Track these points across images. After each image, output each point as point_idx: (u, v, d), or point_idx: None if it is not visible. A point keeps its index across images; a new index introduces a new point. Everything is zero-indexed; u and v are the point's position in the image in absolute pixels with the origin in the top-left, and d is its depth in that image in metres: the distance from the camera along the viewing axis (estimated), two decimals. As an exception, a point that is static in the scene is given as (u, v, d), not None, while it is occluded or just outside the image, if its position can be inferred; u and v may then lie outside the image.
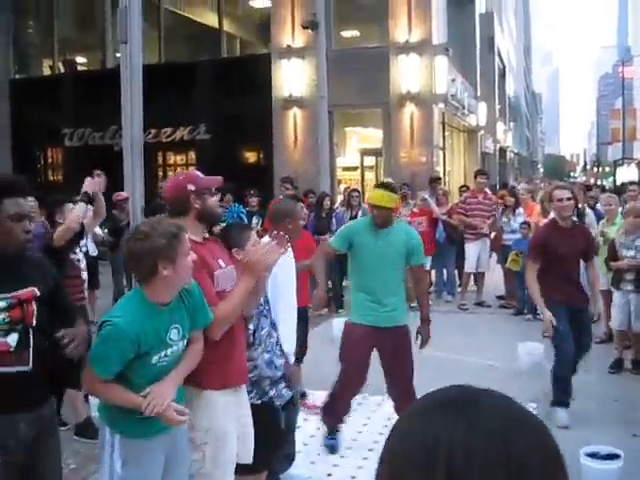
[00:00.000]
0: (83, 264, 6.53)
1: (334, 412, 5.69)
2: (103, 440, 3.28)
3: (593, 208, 11.02)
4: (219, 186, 4.01)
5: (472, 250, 11.97)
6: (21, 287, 3.21)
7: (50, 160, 22.71)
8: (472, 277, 12.25)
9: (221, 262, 3.73)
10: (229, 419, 3.69)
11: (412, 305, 11.64)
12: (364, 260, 5.49)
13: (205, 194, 3.75)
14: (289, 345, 4.52)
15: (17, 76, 22.66)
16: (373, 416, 6.55)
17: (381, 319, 5.42)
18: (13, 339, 3.17)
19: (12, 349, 3.15)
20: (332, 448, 5.69)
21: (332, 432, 5.73)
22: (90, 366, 3.16)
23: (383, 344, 5.48)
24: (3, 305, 3.15)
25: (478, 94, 28.59)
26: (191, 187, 3.71)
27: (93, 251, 10.31)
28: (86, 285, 6.69)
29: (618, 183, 32.10)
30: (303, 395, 6.51)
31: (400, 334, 5.47)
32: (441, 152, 20.69)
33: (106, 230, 11.26)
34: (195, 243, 3.54)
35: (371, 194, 5.78)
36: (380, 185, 6.10)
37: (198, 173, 3.91)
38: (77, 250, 6.25)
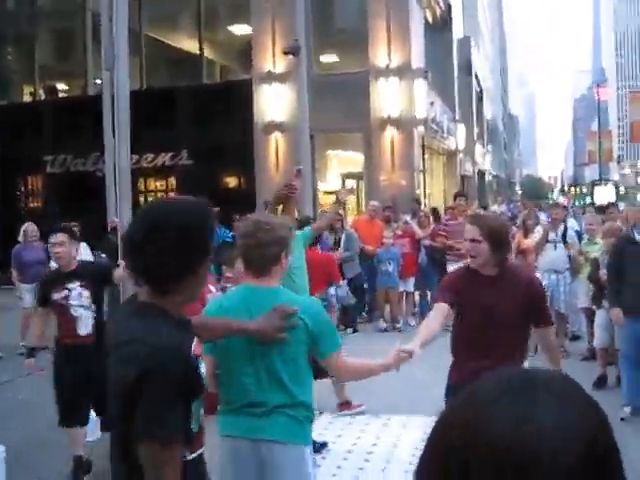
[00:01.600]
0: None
1: None
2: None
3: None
4: None
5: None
6: None
7: (31, 187, 22.60)
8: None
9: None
10: None
11: (397, 326, 11.79)
12: None
13: None
14: None
15: (-3, 103, 22.60)
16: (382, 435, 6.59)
17: None
18: None
19: None
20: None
21: None
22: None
23: None
24: None
25: (457, 117, 28.89)
26: None
27: None
28: None
29: (597, 204, 32.47)
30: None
31: None
32: (421, 175, 20.85)
33: (103, 255, 11.27)
34: None
35: None
36: None
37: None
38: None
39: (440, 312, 4.05)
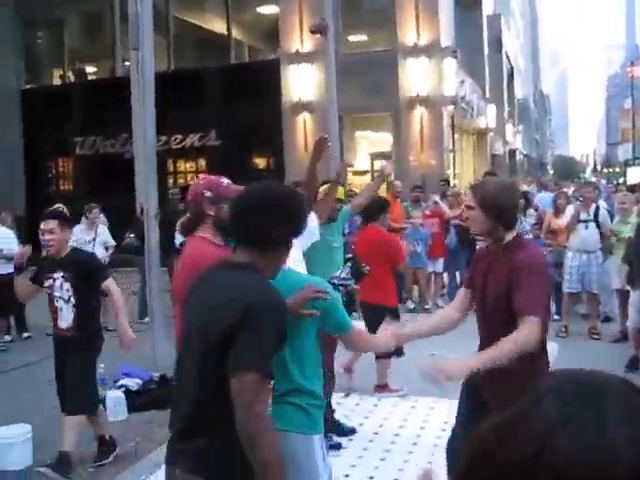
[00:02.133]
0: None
1: None
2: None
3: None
4: None
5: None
6: None
7: (61, 169, 22.79)
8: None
9: None
10: None
11: (426, 307, 11.71)
12: None
13: (221, 203, 3.54)
14: None
15: (28, 86, 22.77)
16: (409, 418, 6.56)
17: None
18: None
19: None
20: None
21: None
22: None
23: None
24: None
25: (487, 96, 28.58)
26: (207, 193, 3.59)
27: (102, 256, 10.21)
28: None
29: (629, 183, 32.01)
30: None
31: None
32: (451, 154, 20.66)
33: (132, 235, 11.31)
34: (217, 247, 3.52)
35: None
36: None
37: (221, 180, 3.73)
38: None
39: (459, 297, 3.88)
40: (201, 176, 3.85)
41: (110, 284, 5.52)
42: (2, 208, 11.56)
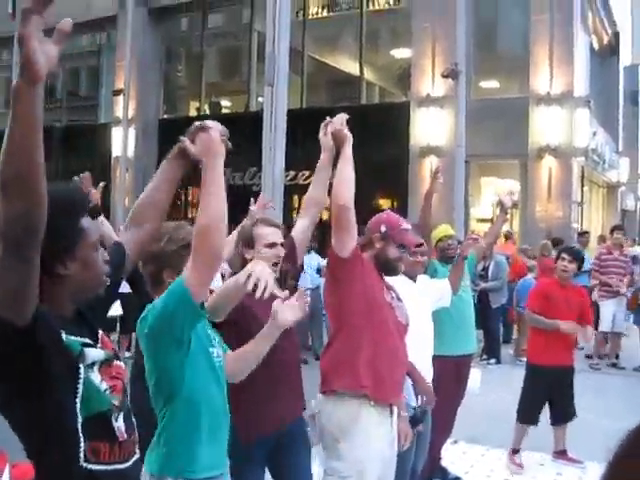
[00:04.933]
0: None
1: None
2: None
3: None
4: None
5: (608, 309, 11.59)
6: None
7: (191, 198, 23.61)
8: (607, 337, 11.85)
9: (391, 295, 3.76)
10: (381, 445, 3.56)
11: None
12: None
13: (391, 241, 3.76)
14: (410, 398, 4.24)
15: (165, 116, 23.83)
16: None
17: None
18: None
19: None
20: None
21: None
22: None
23: None
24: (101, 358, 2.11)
25: (620, 149, 27.76)
26: (383, 228, 3.76)
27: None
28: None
29: None
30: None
31: None
32: (579, 207, 20.16)
33: None
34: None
35: None
36: None
37: (401, 222, 3.89)
38: None
39: None
40: (388, 210, 4.00)
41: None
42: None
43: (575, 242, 13.70)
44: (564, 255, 6.47)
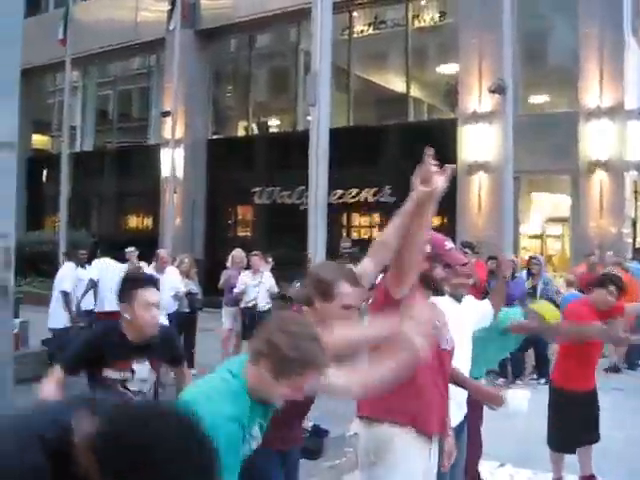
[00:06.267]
0: None
1: None
2: None
3: None
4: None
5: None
6: None
7: (240, 216, 23.82)
8: None
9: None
10: (418, 467, 3.55)
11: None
12: None
13: (437, 261, 3.76)
14: None
15: (214, 136, 24.10)
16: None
17: None
18: None
19: None
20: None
21: None
22: None
23: None
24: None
25: (675, 162, 27.19)
26: (427, 248, 3.72)
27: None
28: None
29: None
30: None
31: None
32: (632, 223, 19.76)
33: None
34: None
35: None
36: None
37: (446, 242, 3.89)
38: None
39: None
40: (432, 231, 3.90)
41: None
42: (182, 251, 12.19)
43: (630, 258, 13.41)
44: (612, 289, 6.13)
